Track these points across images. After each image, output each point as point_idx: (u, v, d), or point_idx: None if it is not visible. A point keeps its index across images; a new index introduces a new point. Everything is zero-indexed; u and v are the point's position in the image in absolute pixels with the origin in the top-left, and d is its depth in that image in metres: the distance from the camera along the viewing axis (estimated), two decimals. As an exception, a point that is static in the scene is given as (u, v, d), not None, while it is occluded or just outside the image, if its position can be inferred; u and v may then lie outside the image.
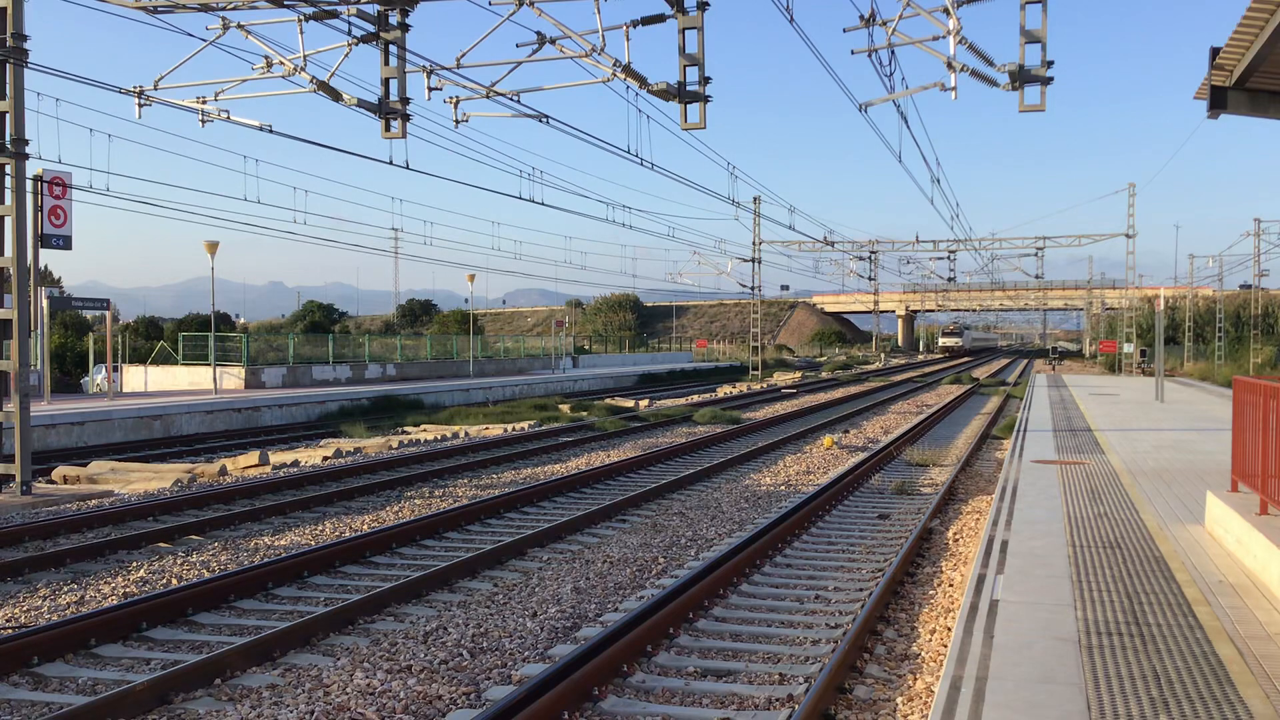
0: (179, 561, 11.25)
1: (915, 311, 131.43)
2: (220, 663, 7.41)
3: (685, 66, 15.35)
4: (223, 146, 26.45)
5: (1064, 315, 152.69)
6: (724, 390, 46.83)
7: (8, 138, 15.67)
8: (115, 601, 9.58)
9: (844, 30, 16.05)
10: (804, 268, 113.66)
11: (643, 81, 15.58)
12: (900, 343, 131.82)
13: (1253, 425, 9.02)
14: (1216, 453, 16.12)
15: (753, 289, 59.69)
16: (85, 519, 12.98)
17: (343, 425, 27.67)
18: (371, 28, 16.16)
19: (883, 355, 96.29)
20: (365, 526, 13.30)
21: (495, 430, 26.15)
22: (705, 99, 15.50)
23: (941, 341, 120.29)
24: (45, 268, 61.67)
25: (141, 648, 8.28)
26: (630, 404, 35.86)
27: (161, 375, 37.58)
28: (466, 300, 75.23)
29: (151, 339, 50.45)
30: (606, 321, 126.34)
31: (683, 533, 12.93)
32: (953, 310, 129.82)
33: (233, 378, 36.43)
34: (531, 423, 27.62)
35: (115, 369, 35.71)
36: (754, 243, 58.75)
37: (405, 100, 17.02)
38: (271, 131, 17.79)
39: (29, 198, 16.67)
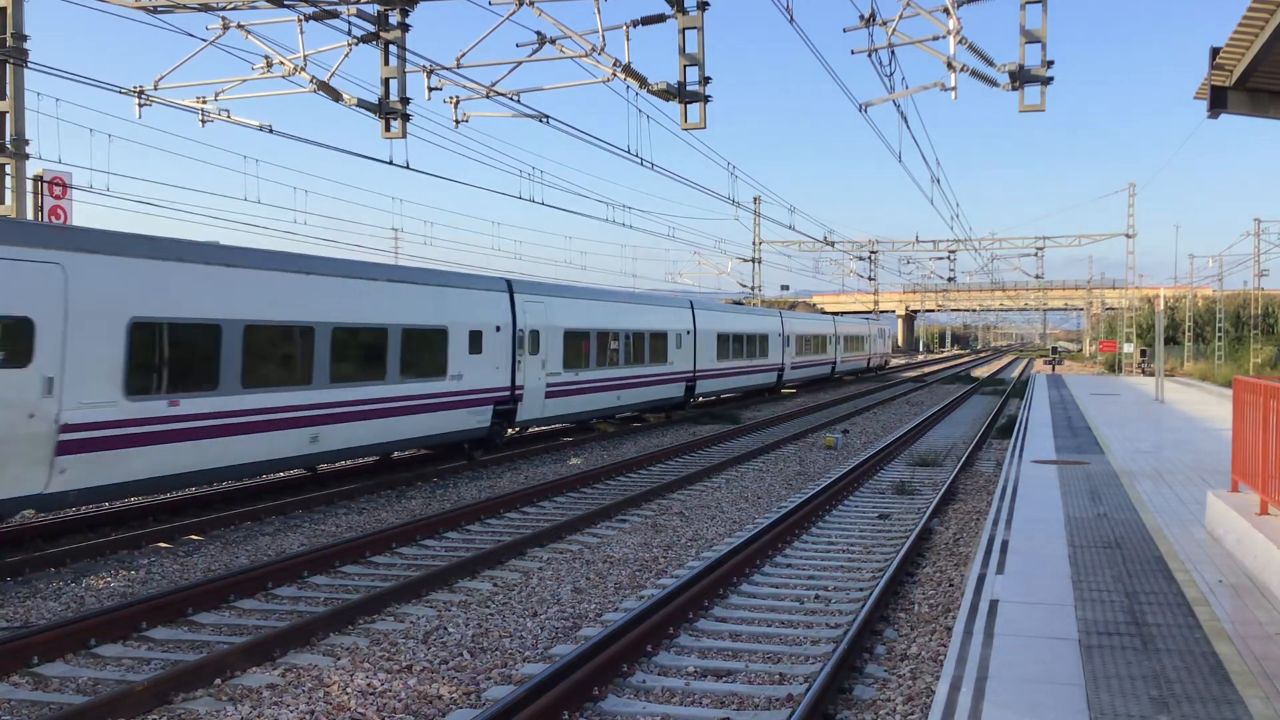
0: (179, 561, 11.25)
1: (915, 311, 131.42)
2: (220, 663, 7.41)
3: (685, 66, 15.36)
4: (223, 146, 26.50)
5: (1064, 315, 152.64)
6: (724, 390, 46.72)
7: (8, 138, 15.67)
8: (115, 601, 9.58)
9: (844, 30, 16.06)
10: (804, 268, 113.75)
11: (643, 81, 15.59)
12: (900, 343, 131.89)
13: (1253, 425, 9.02)
14: (1216, 453, 16.12)
15: (753, 289, 59.74)
16: (85, 519, 12.97)
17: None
18: (371, 28, 16.16)
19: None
20: (365, 526, 13.31)
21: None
22: (705, 99, 15.50)
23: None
24: (45, 268, 61.59)
25: (141, 648, 8.28)
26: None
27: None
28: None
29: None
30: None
31: (683, 532, 12.93)
32: (953, 310, 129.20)
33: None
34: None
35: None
36: (754, 243, 58.82)
37: (405, 100, 17.02)
38: (271, 131, 17.79)
39: (29, 198, 16.66)
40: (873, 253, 72.93)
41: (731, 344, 33.30)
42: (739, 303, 37.98)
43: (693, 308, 30.61)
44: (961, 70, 15.44)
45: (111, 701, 6.56)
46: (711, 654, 8.05)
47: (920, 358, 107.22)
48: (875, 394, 42.57)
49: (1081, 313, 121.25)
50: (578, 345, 22.59)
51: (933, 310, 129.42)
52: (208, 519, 13.04)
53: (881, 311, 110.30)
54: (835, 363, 49.18)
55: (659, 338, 27.48)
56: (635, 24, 15.63)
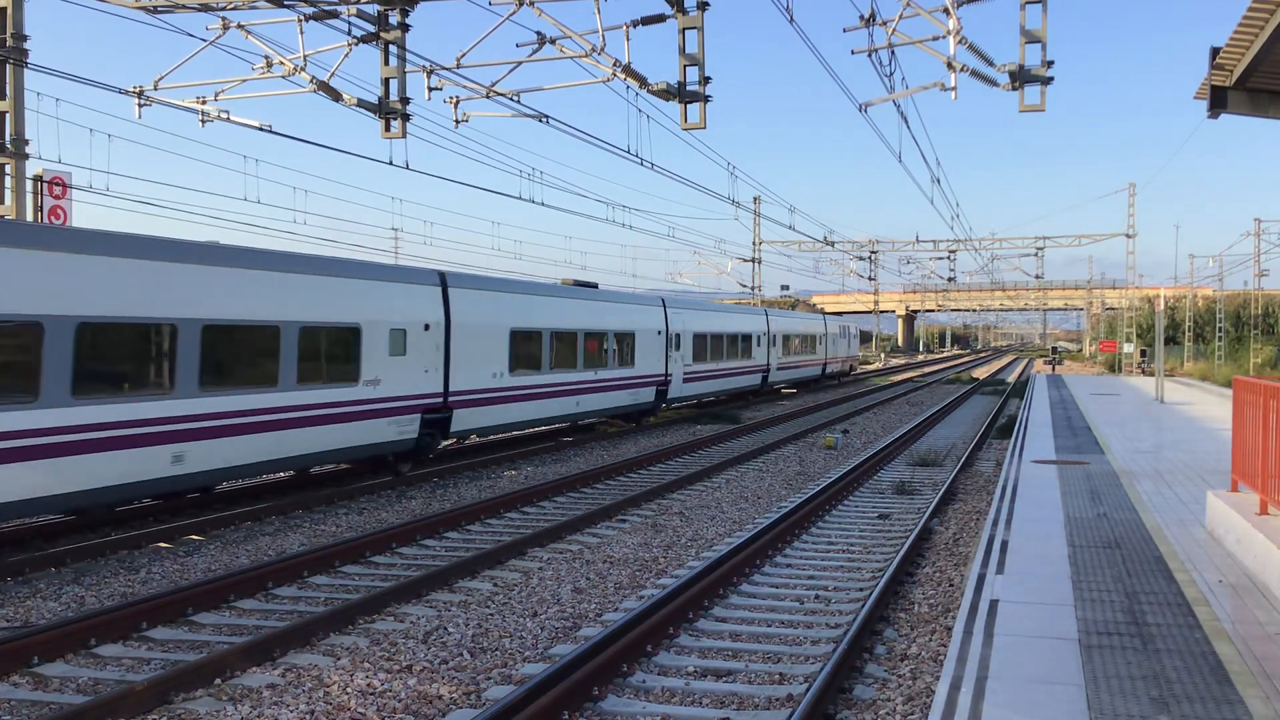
0: (179, 561, 11.25)
1: (915, 311, 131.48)
2: (220, 663, 7.42)
3: (685, 66, 15.36)
4: (223, 146, 26.48)
5: (1064, 315, 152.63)
6: (724, 390, 46.62)
7: (8, 138, 15.67)
8: (115, 601, 9.58)
9: (844, 30, 16.06)
10: (804, 268, 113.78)
11: (643, 81, 15.59)
12: (900, 343, 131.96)
13: (1253, 425, 9.01)
14: (1216, 453, 16.11)
15: (753, 289, 59.76)
16: (86, 519, 12.97)
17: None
18: (371, 28, 16.16)
19: (882, 355, 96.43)
20: (365, 526, 13.31)
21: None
22: (705, 99, 15.50)
23: None
24: (45, 268, 61.56)
25: (141, 648, 8.28)
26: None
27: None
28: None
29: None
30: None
31: (683, 532, 12.93)
32: (953, 310, 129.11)
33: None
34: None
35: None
36: (754, 243, 58.83)
37: (405, 100, 17.02)
38: (271, 131, 17.79)
39: (29, 197, 16.67)
40: (873, 253, 72.89)
41: (549, 346, 21.29)
42: (580, 284, 24.52)
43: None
44: (961, 70, 15.44)
45: (111, 701, 6.56)
46: (711, 654, 8.06)
47: (920, 358, 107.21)
48: (876, 394, 42.57)
49: (1081, 313, 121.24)
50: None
51: (933, 310, 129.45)
52: (208, 519, 13.04)
53: (882, 312, 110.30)
54: (768, 370, 37.83)
55: (335, 337, 14.88)
56: (635, 24, 15.63)
